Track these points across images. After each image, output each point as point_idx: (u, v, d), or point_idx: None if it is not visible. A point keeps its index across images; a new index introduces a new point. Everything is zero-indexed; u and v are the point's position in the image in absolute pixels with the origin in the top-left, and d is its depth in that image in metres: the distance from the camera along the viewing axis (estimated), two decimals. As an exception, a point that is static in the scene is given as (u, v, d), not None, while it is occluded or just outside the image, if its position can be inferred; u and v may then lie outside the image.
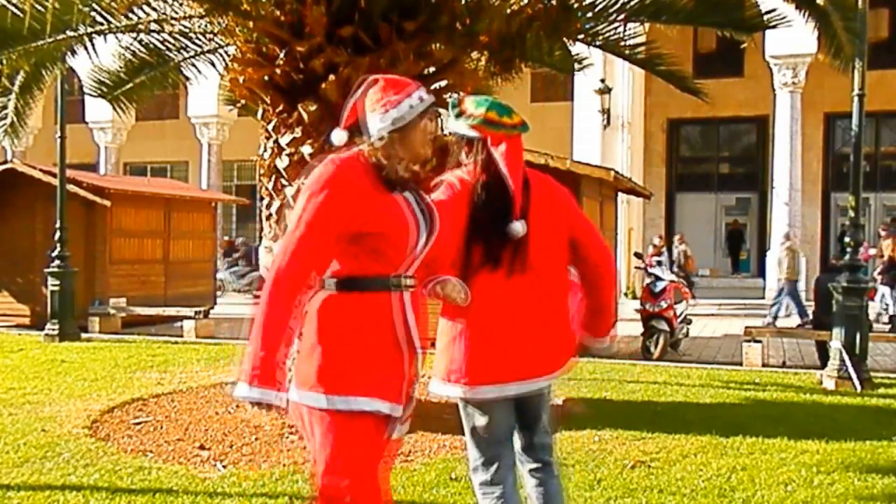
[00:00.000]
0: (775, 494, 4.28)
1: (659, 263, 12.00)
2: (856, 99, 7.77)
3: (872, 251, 15.39)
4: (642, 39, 7.79)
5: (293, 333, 2.36)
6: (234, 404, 6.42)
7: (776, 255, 13.99)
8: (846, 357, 7.58)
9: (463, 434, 2.92)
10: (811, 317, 12.94)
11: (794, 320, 13.17)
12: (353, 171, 2.40)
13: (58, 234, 10.92)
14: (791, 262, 13.52)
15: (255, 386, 2.24)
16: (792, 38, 13.43)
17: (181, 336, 11.57)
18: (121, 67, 7.62)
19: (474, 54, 6.62)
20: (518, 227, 2.70)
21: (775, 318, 13.32)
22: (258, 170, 6.24)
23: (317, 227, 2.31)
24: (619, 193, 13.09)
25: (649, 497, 4.22)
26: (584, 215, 3.05)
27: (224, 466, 4.77)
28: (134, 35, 6.98)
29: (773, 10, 6.78)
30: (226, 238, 20.65)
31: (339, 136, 2.52)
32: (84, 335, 11.12)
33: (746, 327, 9.49)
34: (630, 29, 6.77)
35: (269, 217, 6.04)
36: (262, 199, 6.22)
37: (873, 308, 11.72)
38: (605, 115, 18.44)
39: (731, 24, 6.74)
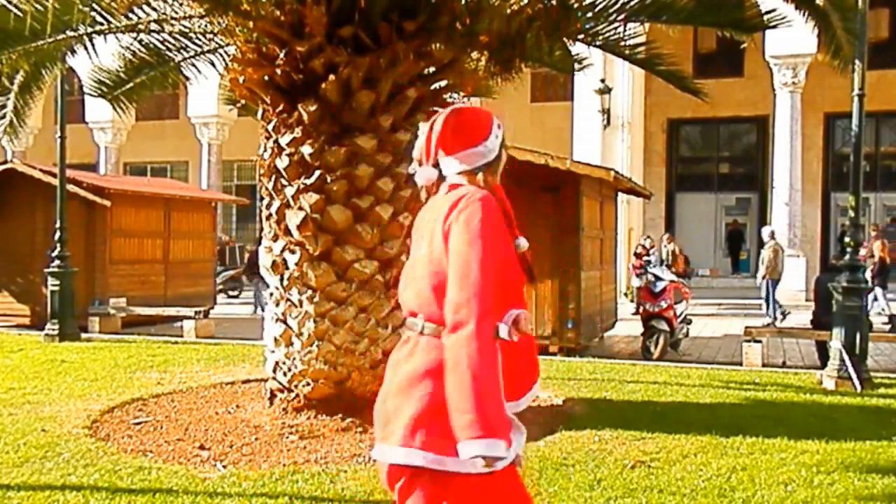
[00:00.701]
0: (775, 494, 4.29)
1: (648, 263, 12.02)
2: (856, 99, 7.77)
3: (862, 252, 15.46)
4: (642, 39, 7.79)
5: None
6: (233, 404, 6.42)
7: (762, 254, 14.06)
8: (846, 357, 7.58)
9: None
10: (783, 317, 13.14)
11: (794, 318, 13.21)
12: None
13: (58, 234, 10.92)
14: (773, 261, 13.59)
15: (498, 439, 1.98)
16: (792, 38, 13.45)
17: (181, 336, 11.57)
18: (121, 67, 7.62)
19: (474, 54, 6.62)
20: (523, 241, 2.69)
21: (775, 318, 13.38)
22: (258, 170, 6.24)
23: (499, 270, 2.14)
24: (619, 193, 13.10)
25: (649, 497, 4.22)
26: None
27: (224, 466, 4.77)
28: (134, 35, 6.98)
29: (773, 10, 6.79)
30: (225, 238, 20.62)
31: (428, 172, 2.33)
32: (84, 335, 11.12)
33: (746, 327, 9.49)
34: (630, 29, 6.78)
35: (269, 217, 6.04)
36: (262, 199, 6.22)
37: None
38: (605, 115, 18.45)
39: (731, 24, 6.75)
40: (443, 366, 2.08)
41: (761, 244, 14.67)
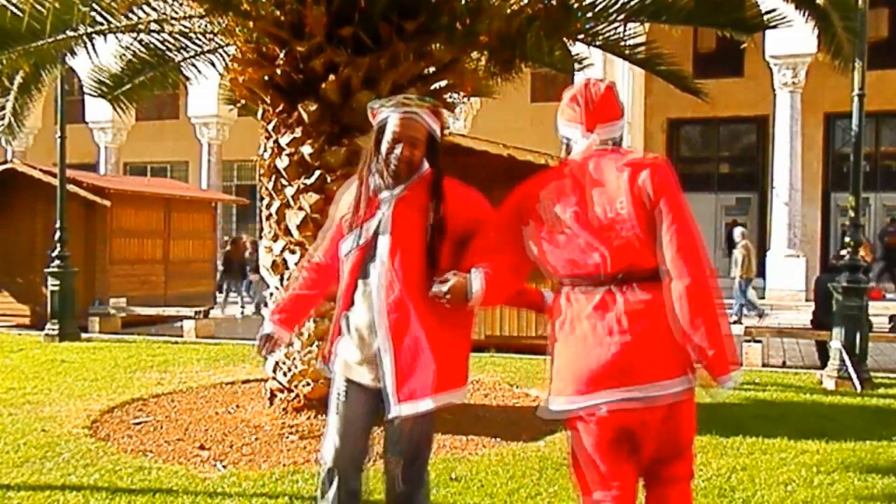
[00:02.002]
0: (775, 494, 4.28)
1: None
2: (856, 99, 7.77)
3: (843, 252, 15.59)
4: (642, 39, 7.79)
5: None
6: (233, 404, 6.42)
7: (734, 254, 14.18)
8: (846, 357, 7.58)
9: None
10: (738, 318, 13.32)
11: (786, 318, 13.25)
12: None
13: (58, 234, 10.92)
14: (747, 260, 13.72)
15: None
16: (792, 38, 13.44)
17: (181, 336, 11.58)
18: (121, 67, 7.62)
19: (474, 54, 6.62)
20: None
21: (760, 314, 13.51)
22: (258, 170, 6.24)
23: None
24: (619, 193, 13.07)
25: (649, 497, 4.21)
26: None
27: (224, 466, 4.77)
28: (134, 35, 6.97)
29: (773, 10, 6.78)
30: (226, 238, 20.63)
31: (591, 139, 2.59)
32: (84, 335, 11.12)
33: (746, 327, 9.49)
34: (630, 29, 6.77)
35: (269, 217, 6.04)
36: (262, 199, 6.22)
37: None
38: (604, 115, 18.41)
39: (731, 24, 6.74)
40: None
41: (763, 245, 14.73)
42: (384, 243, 2.74)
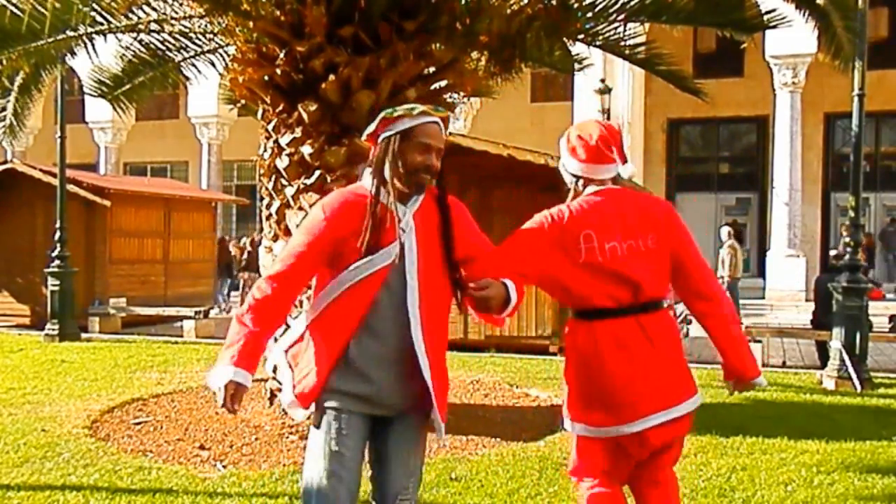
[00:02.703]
0: (775, 494, 4.29)
1: None
2: (856, 99, 7.77)
3: (833, 252, 15.61)
4: (642, 39, 7.79)
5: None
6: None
7: (721, 254, 14.17)
8: (846, 357, 7.58)
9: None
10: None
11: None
12: None
13: (58, 234, 10.93)
14: (734, 260, 13.73)
15: None
16: (792, 38, 13.46)
17: (181, 336, 11.58)
18: (121, 67, 7.62)
19: (474, 54, 6.61)
20: None
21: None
22: (258, 170, 6.24)
23: None
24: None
25: (649, 497, 4.21)
26: None
27: (224, 466, 4.77)
28: (134, 35, 6.97)
29: (773, 10, 6.77)
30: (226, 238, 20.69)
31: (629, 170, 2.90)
32: (84, 335, 11.12)
33: (746, 327, 9.48)
34: (630, 29, 6.77)
35: (269, 217, 6.04)
36: (262, 199, 6.22)
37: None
38: (605, 115, 18.43)
39: (731, 24, 6.74)
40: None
41: (763, 245, 14.72)
42: (411, 261, 2.53)
